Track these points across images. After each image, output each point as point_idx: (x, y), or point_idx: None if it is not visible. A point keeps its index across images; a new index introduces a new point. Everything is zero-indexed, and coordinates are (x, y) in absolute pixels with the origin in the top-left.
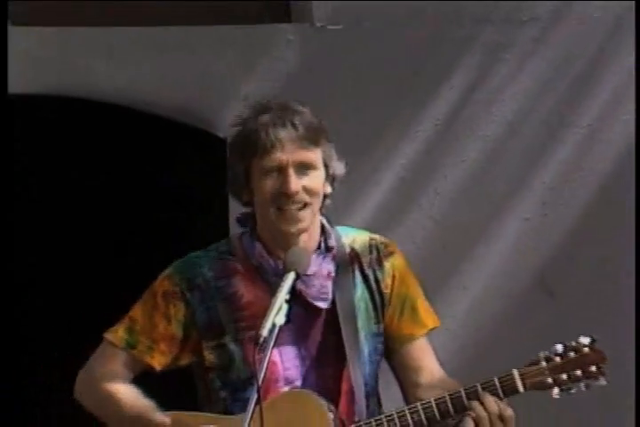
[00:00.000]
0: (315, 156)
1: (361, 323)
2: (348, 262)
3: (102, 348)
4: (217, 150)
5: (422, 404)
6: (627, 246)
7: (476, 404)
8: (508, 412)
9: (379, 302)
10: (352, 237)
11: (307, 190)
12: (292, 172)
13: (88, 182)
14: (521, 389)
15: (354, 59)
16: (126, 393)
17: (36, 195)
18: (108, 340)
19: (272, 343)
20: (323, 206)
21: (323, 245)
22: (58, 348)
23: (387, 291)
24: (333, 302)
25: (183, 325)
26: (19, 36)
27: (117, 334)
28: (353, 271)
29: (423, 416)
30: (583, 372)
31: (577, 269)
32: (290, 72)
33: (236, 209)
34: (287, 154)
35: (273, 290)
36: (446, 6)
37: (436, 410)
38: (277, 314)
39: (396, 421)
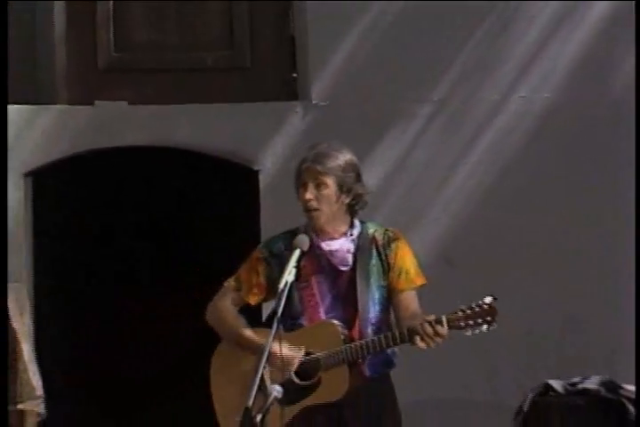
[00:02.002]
0: (326, 180)
1: (373, 279)
2: (369, 243)
3: (222, 290)
4: (251, 179)
5: (384, 336)
6: (503, 227)
7: (426, 326)
8: (444, 331)
9: (386, 267)
10: (375, 228)
11: (317, 199)
12: (309, 188)
13: (166, 200)
14: (446, 327)
15: (337, 123)
16: (233, 316)
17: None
18: (225, 285)
19: (286, 291)
20: (351, 208)
21: (349, 233)
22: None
23: (391, 261)
24: (354, 267)
25: (267, 278)
26: (133, 111)
27: (230, 282)
28: (371, 249)
29: (384, 342)
30: (483, 320)
31: (470, 249)
32: (296, 132)
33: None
34: (308, 179)
35: (317, 258)
36: (394, 88)
37: (391, 340)
38: (289, 275)
39: (367, 344)
